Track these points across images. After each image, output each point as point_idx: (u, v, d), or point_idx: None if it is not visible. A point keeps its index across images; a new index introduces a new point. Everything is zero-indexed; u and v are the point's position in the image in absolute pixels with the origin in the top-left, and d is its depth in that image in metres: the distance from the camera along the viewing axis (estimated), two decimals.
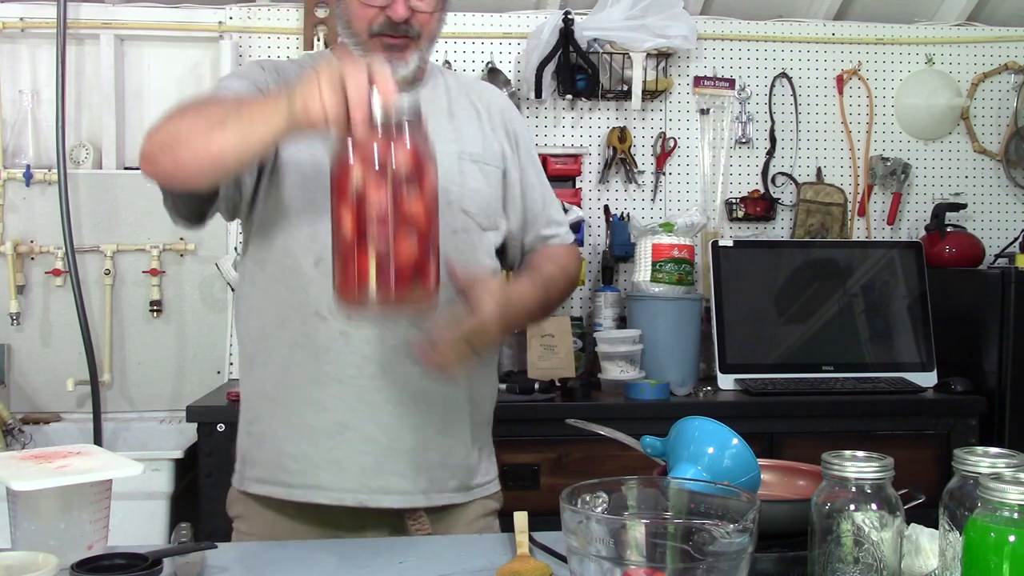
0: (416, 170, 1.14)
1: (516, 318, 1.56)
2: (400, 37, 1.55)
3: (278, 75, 1.60)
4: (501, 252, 1.75)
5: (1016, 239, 3.35)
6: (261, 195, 1.58)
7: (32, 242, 3.11)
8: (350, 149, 1.14)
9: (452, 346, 1.43)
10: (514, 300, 1.53)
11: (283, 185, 1.55)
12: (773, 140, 3.40)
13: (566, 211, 3.05)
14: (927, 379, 3.00)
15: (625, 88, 3.22)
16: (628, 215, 3.23)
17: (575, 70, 3.18)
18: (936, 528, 1.11)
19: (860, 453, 1.09)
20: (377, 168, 1.12)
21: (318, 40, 3.11)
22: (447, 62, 3.23)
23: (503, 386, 2.64)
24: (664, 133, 3.35)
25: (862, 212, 3.42)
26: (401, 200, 1.12)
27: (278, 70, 1.62)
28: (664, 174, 3.35)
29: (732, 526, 0.94)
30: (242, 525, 1.66)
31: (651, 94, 3.26)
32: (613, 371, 2.88)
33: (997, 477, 0.96)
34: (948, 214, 3.27)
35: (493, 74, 3.23)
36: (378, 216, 1.11)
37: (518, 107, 3.23)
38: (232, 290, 3.15)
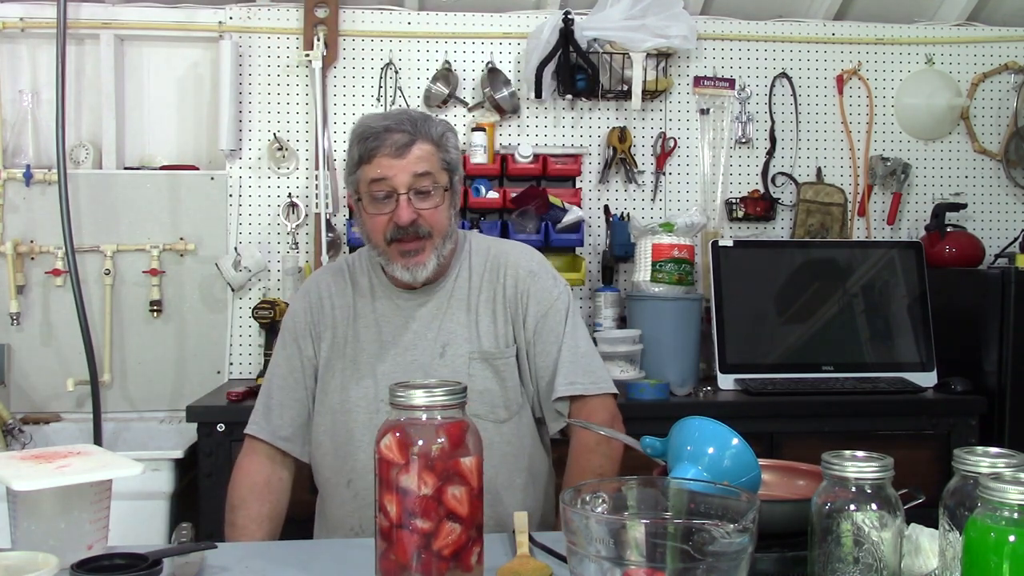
0: (460, 467, 1.16)
1: None
2: (413, 240, 1.67)
3: (313, 316, 1.79)
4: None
5: (1016, 239, 3.35)
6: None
7: (32, 242, 3.11)
8: (393, 444, 1.15)
9: None
10: None
11: (318, 426, 1.78)
12: (773, 140, 3.39)
13: (573, 215, 3.06)
14: (927, 379, 3.00)
15: (625, 88, 3.22)
16: (628, 215, 3.23)
17: (575, 70, 3.17)
18: (936, 528, 1.11)
19: (860, 453, 1.09)
20: (420, 467, 1.14)
21: (318, 40, 3.11)
22: (448, 64, 3.23)
23: None
24: (664, 133, 3.35)
25: (862, 212, 3.42)
26: (444, 493, 1.14)
27: (309, 315, 1.80)
28: (664, 174, 3.35)
29: (732, 526, 0.94)
30: None
31: (651, 94, 3.25)
32: (613, 371, 2.88)
33: (997, 477, 0.95)
34: (948, 214, 3.27)
35: (493, 74, 3.23)
36: (420, 509, 1.13)
37: (518, 108, 3.23)
38: (232, 290, 3.15)
